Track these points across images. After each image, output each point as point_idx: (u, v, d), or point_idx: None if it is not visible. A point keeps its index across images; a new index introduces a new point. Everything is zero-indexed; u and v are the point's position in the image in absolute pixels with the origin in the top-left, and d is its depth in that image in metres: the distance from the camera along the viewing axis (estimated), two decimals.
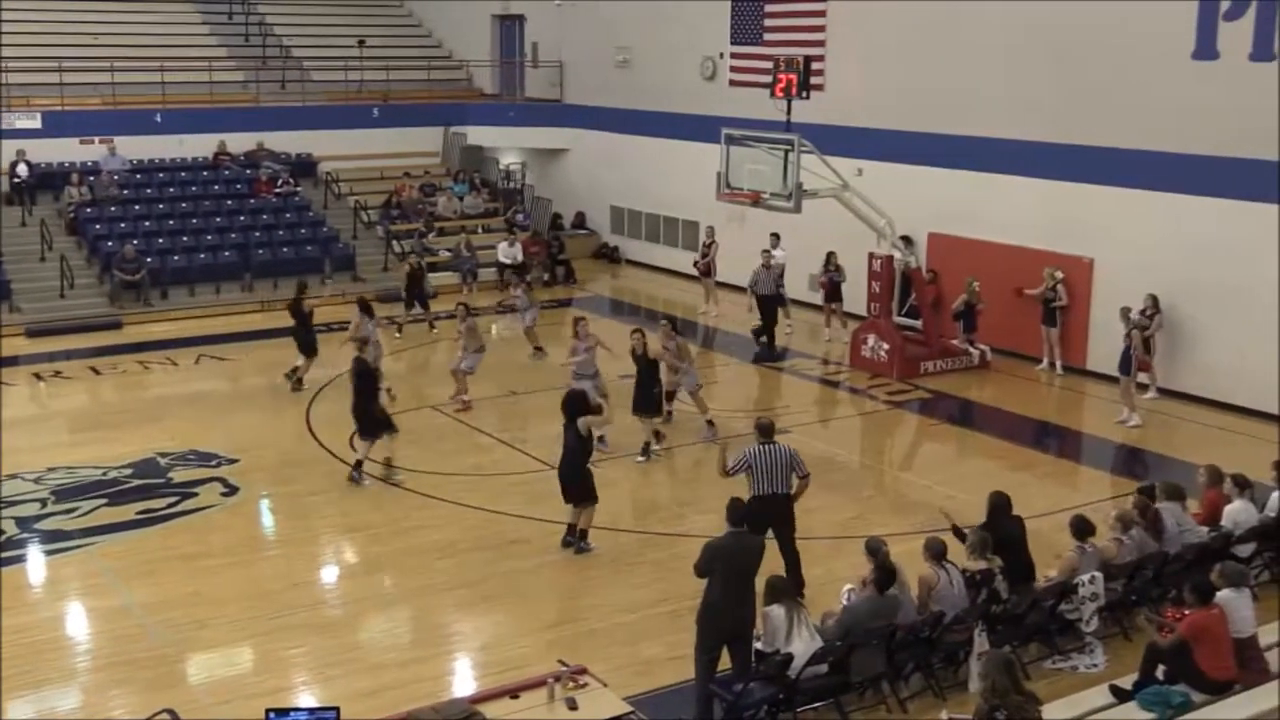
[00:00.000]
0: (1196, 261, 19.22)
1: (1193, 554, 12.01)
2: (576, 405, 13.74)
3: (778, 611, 10.01)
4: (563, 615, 12.40)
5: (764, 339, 23.10)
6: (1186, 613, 10.23)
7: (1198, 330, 19.39)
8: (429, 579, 13.23)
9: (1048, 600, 11.27)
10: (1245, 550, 12.47)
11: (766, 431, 12.43)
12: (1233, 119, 18.49)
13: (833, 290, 23.66)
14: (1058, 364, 21.10)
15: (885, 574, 10.45)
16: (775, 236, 23.83)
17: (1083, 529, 11.61)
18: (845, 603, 10.86)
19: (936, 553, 10.89)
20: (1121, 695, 9.97)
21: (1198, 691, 9.84)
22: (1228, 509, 12.64)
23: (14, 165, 27.56)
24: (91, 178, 28.08)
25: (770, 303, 23.27)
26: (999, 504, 11.78)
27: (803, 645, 9.90)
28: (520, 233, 29.74)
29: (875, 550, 10.81)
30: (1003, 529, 11.59)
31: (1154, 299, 19.23)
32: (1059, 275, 20.78)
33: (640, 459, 16.81)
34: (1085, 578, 11.25)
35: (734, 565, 10.13)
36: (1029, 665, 11.01)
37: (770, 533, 11.95)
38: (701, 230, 27.92)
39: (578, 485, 13.74)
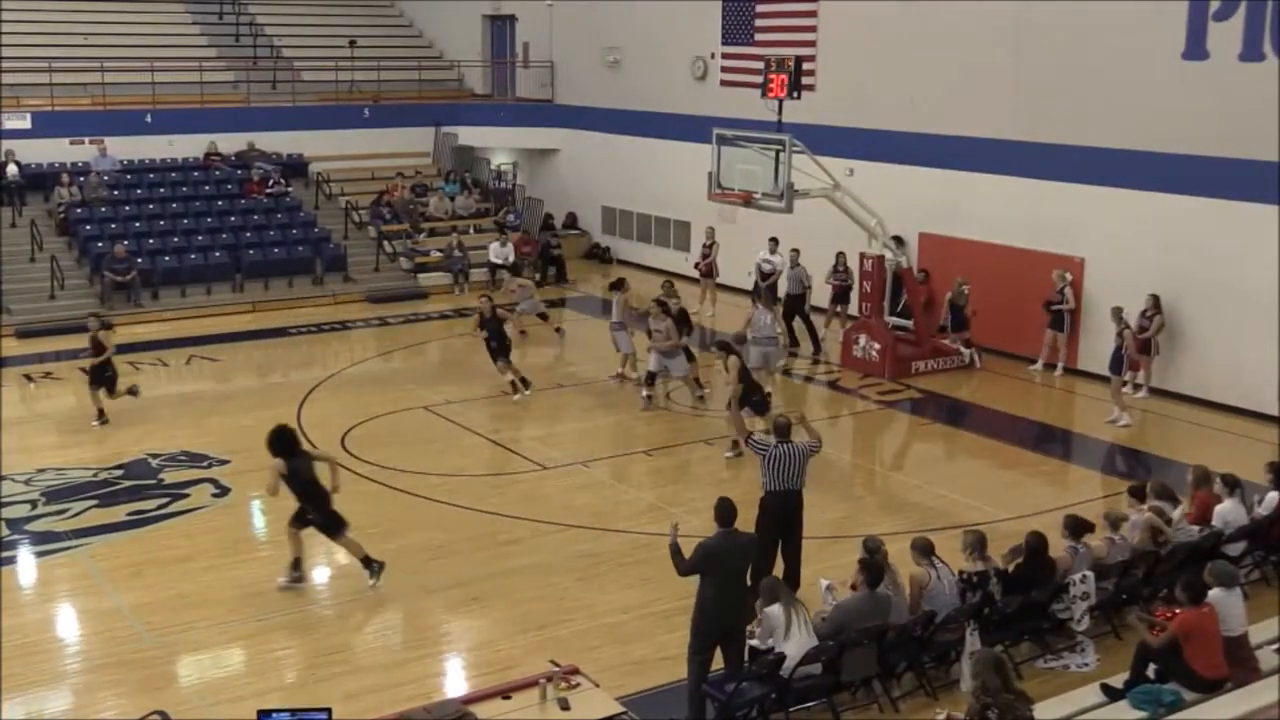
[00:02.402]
0: (1188, 261, 19.25)
1: (1183, 553, 12.02)
2: (288, 442, 12.83)
3: (776, 610, 10.01)
4: (554, 615, 12.37)
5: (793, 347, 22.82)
6: (1177, 611, 10.25)
7: (1188, 330, 19.42)
8: (420, 579, 13.21)
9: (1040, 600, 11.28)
10: (1236, 549, 12.50)
11: (783, 431, 12.45)
12: (1223, 119, 18.53)
13: (841, 293, 23.66)
14: (1059, 365, 20.94)
15: (872, 571, 10.45)
16: (774, 241, 23.75)
17: (1076, 529, 11.61)
18: (825, 599, 10.84)
19: (924, 550, 10.88)
20: (1113, 694, 9.99)
21: (1189, 690, 9.86)
22: (1218, 509, 12.66)
23: (3, 166, 27.49)
24: (81, 178, 28.03)
25: (796, 302, 23.23)
26: (1036, 546, 11.38)
27: (798, 644, 9.90)
28: (511, 233, 29.73)
29: (874, 550, 10.83)
30: (1037, 579, 11.30)
31: (1155, 299, 19.19)
32: (1069, 277, 20.57)
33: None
34: (1076, 577, 11.28)
35: (726, 566, 10.13)
36: (1021, 664, 11.03)
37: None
38: (693, 230, 27.98)
39: (330, 515, 13.04)
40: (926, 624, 10.58)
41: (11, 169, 27.59)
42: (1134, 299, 19.22)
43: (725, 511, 10.37)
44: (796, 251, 23.13)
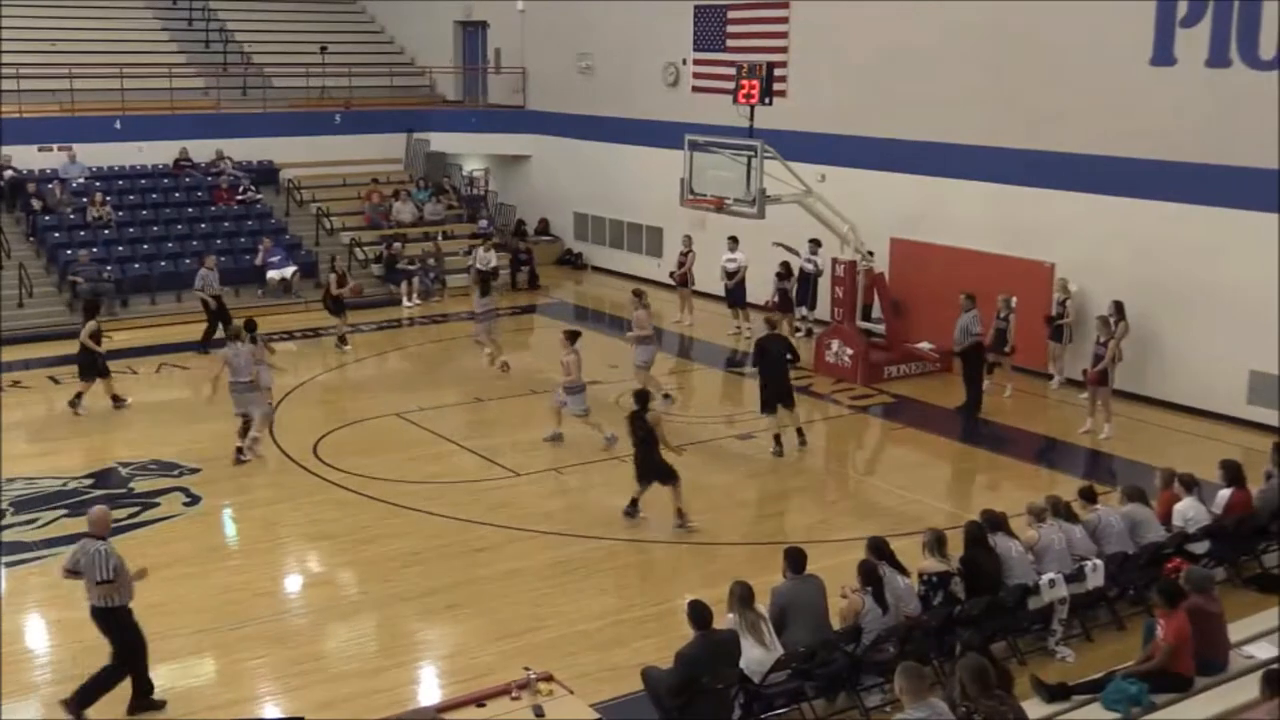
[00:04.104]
0: (1158, 266, 19.38)
1: (1147, 554, 12.20)
2: None
3: (730, 619, 10.01)
4: (528, 622, 12.36)
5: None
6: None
7: (1161, 334, 19.52)
8: (393, 587, 13.18)
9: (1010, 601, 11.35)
10: (1200, 548, 12.65)
11: None
12: (1192, 124, 18.71)
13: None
14: (1057, 378, 20.69)
15: (795, 558, 10.60)
16: (733, 240, 23.91)
17: (993, 523, 11.69)
18: (844, 597, 10.84)
19: (868, 574, 10.75)
20: (1054, 693, 10.10)
21: (1172, 691, 9.99)
22: (1177, 507, 12.88)
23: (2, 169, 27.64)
24: (48, 185, 27.89)
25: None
26: (975, 534, 11.49)
27: (761, 653, 9.91)
28: (484, 239, 29.74)
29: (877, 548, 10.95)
30: (980, 563, 11.33)
31: (1119, 306, 18.99)
32: (1072, 289, 20.16)
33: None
34: (1046, 579, 11.35)
35: (710, 673, 9.61)
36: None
37: None
38: (665, 236, 28.02)
39: None
40: (856, 639, 10.44)
41: (9, 173, 27.72)
42: (1102, 303, 19.31)
43: (700, 615, 9.72)
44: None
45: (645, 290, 19.73)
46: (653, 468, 14.58)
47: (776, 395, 17.38)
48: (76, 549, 10.63)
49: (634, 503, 14.82)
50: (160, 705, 10.75)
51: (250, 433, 17.04)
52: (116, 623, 10.53)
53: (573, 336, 17.71)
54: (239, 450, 16.89)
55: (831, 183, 22.23)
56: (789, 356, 17.47)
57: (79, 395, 19.16)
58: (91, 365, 19.26)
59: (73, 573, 10.59)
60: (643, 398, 14.87)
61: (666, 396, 19.49)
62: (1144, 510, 12.69)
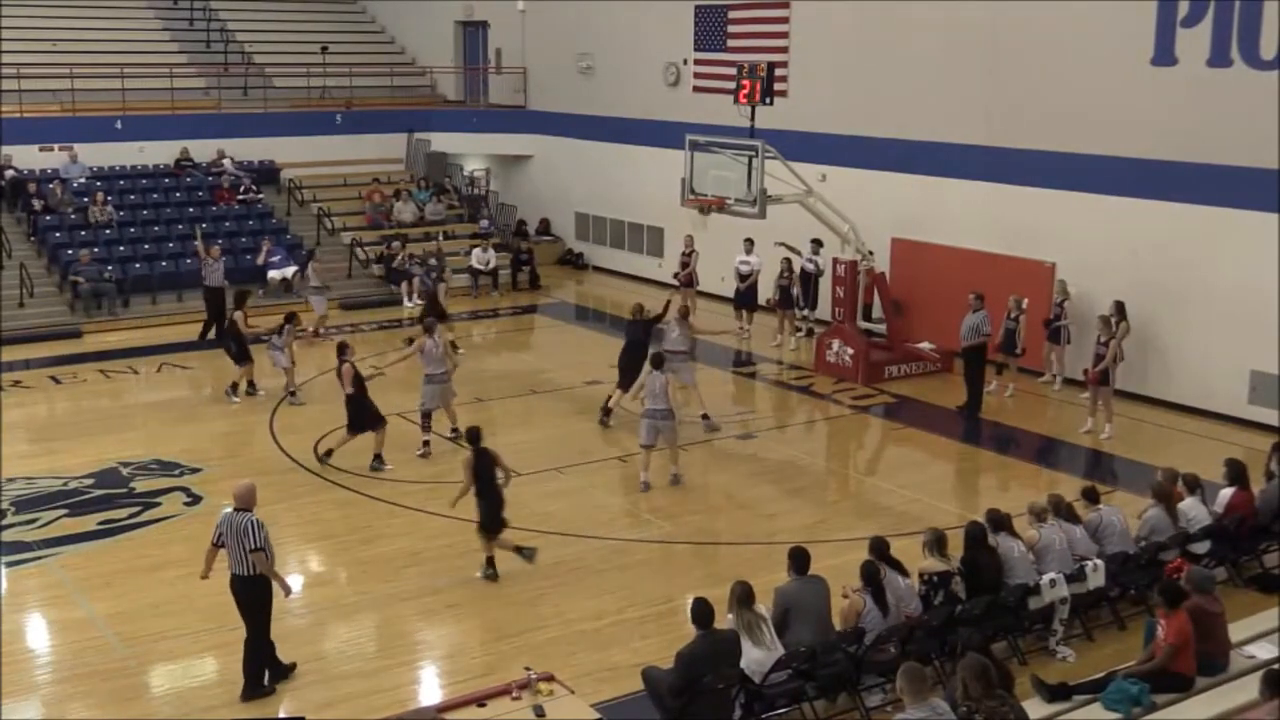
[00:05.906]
0: (1157, 266, 19.38)
1: (1148, 554, 12.22)
2: None
3: (729, 618, 10.01)
4: (528, 622, 12.36)
5: None
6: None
7: (1161, 334, 19.52)
8: (394, 587, 13.18)
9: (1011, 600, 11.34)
10: (1201, 548, 12.67)
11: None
12: (1192, 124, 18.70)
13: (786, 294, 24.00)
14: (1058, 378, 20.61)
15: (799, 559, 10.60)
16: (749, 242, 23.85)
17: (996, 522, 11.72)
18: (845, 597, 10.83)
19: (869, 576, 10.78)
20: (1054, 693, 10.08)
21: (1173, 691, 9.98)
22: (1179, 507, 12.87)
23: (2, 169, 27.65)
24: (50, 185, 27.90)
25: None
26: (975, 534, 11.51)
27: (761, 653, 9.91)
28: (485, 239, 29.75)
29: (878, 549, 11.00)
30: (980, 563, 11.35)
31: (1120, 305, 18.92)
32: (1071, 291, 20.09)
33: None
34: (1047, 579, 11.35)
35: (712, 672, 9.57)
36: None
37: None
38: (666, 236, 28.00)
39: None
40: (858, 640, 10.41)
41: (10, 173, 27.70)
42: (1103, 303, 19.30)
43: (702, 613, 9.69)
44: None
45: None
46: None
47: (627, 376, 18.27)
48: (221, 522, 10.97)
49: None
50: (291, 669, 11.25)
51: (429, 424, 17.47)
52: (257, 591, 10.90)
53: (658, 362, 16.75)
54: (425, 444, 17.44)
55: (832, 183, 22.24)
56: (646, 342, 18.55)
57: (251, 382, 19.97)
58: (242, 351, 19.83)
59: (218, 545, 10.95)
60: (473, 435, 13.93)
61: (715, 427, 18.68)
62: (1165, 518, 12.63)
